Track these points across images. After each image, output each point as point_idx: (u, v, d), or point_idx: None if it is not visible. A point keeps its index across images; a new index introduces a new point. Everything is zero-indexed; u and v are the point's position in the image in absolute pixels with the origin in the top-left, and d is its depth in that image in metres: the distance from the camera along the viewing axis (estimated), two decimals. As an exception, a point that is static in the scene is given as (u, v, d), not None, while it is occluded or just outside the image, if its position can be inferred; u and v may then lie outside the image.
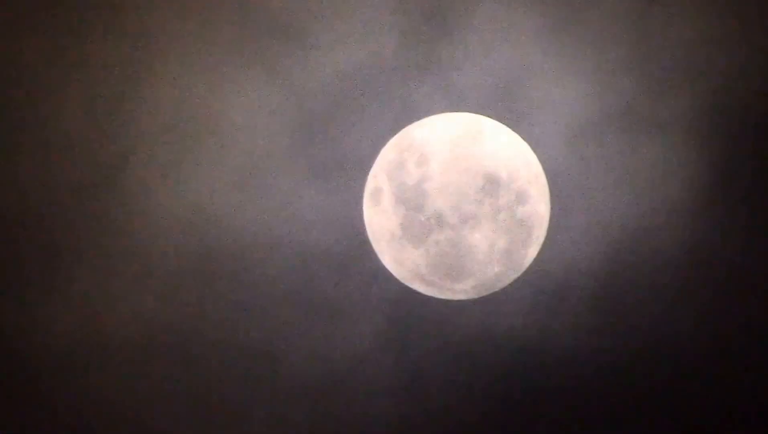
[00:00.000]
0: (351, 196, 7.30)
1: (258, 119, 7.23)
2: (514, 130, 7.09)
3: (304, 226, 7.40)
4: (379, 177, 7.00)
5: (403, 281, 7.24)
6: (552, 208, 7.24)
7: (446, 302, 7.40)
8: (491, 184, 6.73)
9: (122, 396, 7.51)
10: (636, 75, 7.37)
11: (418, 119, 7.11)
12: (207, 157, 7.28)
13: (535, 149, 7.12)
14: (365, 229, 7.08)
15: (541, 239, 7.19)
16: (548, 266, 7.47)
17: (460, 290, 7.13)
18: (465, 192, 6.66)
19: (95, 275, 7.40)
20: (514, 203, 6.85)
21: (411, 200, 6.74)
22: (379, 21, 7.25)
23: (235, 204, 7.31)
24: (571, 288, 7.56)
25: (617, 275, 7.56)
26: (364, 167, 7.21)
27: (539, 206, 7.06)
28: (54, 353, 7.43)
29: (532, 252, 7.16)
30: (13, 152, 7.23)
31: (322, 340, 7.51)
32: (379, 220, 6.98)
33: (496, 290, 7.27)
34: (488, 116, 7.10)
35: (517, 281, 7.28)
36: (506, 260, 6.99)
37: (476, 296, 7.26)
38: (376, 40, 7.26)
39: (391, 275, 7.26)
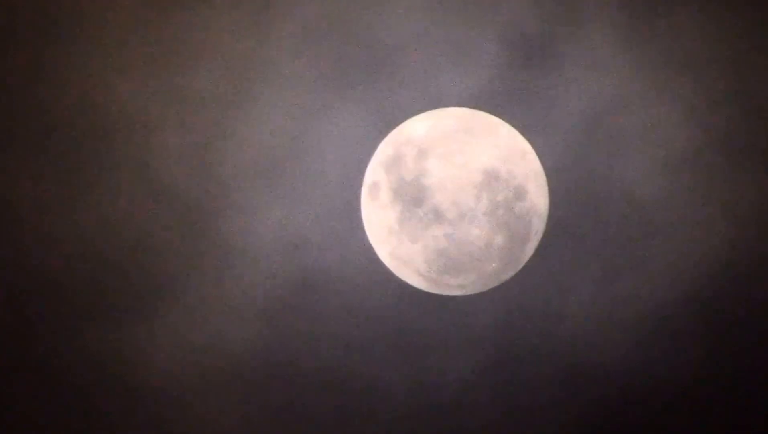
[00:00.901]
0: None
1: (348, 150, 7.24)
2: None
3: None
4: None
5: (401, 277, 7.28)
6: (550, 204, 7.25)
7: (443, 298, 7.41)
8: (490, 180, 6.74)
9: (223, 425, 7.58)
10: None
11: (416, 114, 7.12)
12: (302, 190, 7.28)
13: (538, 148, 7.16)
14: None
15: (540, 235, 7.19)
16: (547, 262, 7.48)
17: (458, 286, 7.12)
18: (463, 188, 6.67)
19: (197, 307, 7.47)
20: (512, 198, 6.86)
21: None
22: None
23: (336, 236, 7.33)
24: (570, 284, 7.57)
25: (617, 272, 7.57)
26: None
27: (538, 202, 7.06)
28: (155, 382, 7.51)
29: (530, 248, 7.17)
30: (112, 191, 7.27)
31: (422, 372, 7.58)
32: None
33: (494, 286, 7.27)
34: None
35: (515, 277, 7.29)
36: (504, 256, 6.99)
37: (474, 292, 7.26)
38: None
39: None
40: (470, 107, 7.14)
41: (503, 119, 7.11)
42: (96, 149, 7.24)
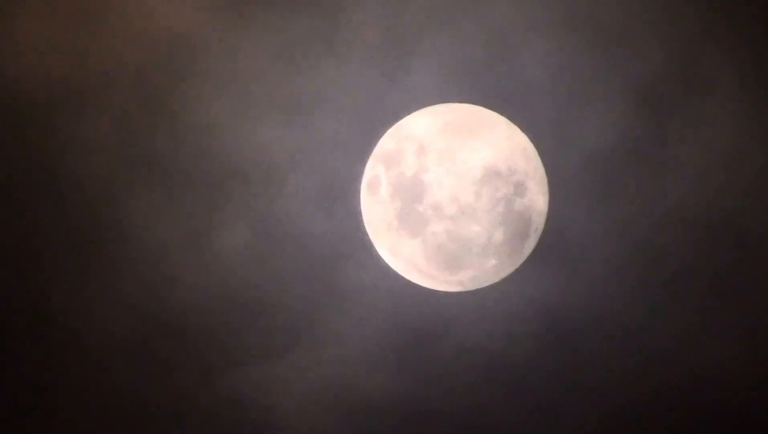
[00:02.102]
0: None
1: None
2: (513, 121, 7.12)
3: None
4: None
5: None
6: (550, 200, 7.25)
7: (442, 294, 7.41)
8: (490, 176, 6.73)
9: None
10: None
11: (416, 109, 7.12)
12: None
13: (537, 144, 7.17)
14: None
15: (539, 232, 7.19)
16: (546, 258, 7.49)
17: (457, 282, 7.12)
18: (463, 184, 6.67)
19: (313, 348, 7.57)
20: (512, 195, 6.86)
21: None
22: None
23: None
24: (570, 281, 7.58)
25: (617, 268, 7.57)
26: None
27: (537, 199, 7.06)
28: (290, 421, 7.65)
29: (529, 245, 7.16)
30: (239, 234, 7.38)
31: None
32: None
33: (494, 282, 7.27)
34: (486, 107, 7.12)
35: (514, 273, 7.29)
36: (504, 253, 6.99)
37: (473, 288, 7.26)
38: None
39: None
40: (470, 103, 7.15)
41: (503, 115, 7.12)
42: (227, 192, 7.31)
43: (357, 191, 7.20)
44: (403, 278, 7.30)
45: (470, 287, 7.23)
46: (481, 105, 7.13)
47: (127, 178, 7.35)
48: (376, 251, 7.23)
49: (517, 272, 7.30)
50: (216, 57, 7.22)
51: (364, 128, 7.27)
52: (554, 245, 7.45)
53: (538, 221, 7.12)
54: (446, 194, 6.67)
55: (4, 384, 7.51)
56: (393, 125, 7.11)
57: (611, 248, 7.53)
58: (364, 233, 7.23)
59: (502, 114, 7.12)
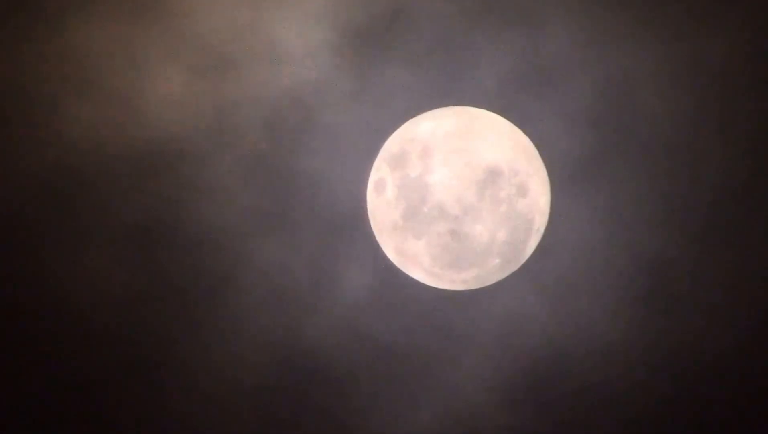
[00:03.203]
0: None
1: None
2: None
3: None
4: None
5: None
6: (552, 200, 7.27)
7: (447, 293, 7.44)
8: (493, 177, 6.77)
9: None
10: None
11: (420, 112, 7.16)
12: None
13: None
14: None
15: (542, 232, 7.22)
16: (548, 257, 7.50)
17: (461, 281, 7.17)
18: (467, 185, 6.69)
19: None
20: (514, 195, 6.89)
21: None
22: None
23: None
24: (571, 280, 7.56)
25: (617, 267, 7.57)
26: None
27: (539, 199, 7.09)
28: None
29: (532, 244, 7.20)
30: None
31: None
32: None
33: (497, 281, 7.31)
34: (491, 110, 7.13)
35: (517, 272, 7.32)
36: (507, 252, 7.03)
37: (477, 287, 7.30)
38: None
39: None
40: (474, 106, 7.17)
41: (506, 118, 7.14)
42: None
43: (364, 193, 7.27)
44: (408, 277, 7.34)
45: (474, 285, 7.26)
46: (483, 108, 7.17)
47: (253, 225, 7.44)
48: (381, 250, 7.30)
49: (520, 270, 7.34)
50: (330, 113, 7.30)
51: (370, 131, 7.30)
52: (556, 245, 7.48)
53: (540, 220, 7.15)
54: (450, 195, 6.71)
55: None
56: (398, 128, 7.17)
57: (611, 248, 7.53)
58: (370, 233, 7.26)
59: (503, 116, 7.16)
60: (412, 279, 7.30)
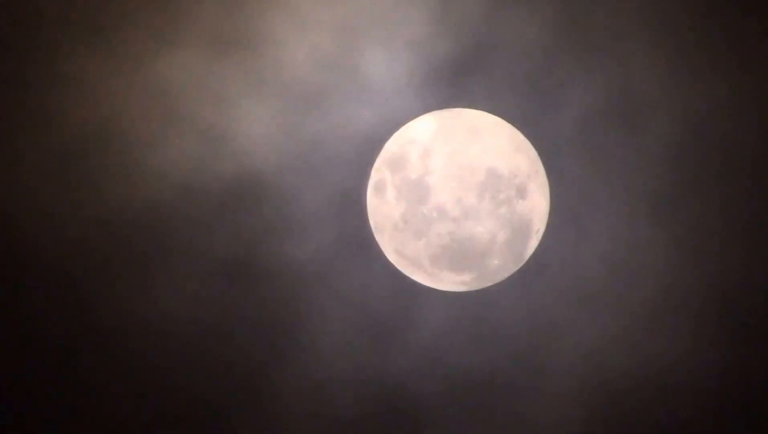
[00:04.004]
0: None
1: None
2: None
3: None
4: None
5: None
6: (551, 202, 7.26)
7: (447, 294, 7.43)
8: (492, 178, 6.76)
9: None
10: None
11: (420, 114, 7.14)
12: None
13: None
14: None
15: (541, 233, 7.21)
16: (548, 259, 7.51)
17: (461, 282, 7.16)
18: (467, 186, 6.70)
19: None
20: (514, 197, 6.87)
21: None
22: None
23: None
24: (571, 281, 7.58)
25: (618, 267, 7.57)
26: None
27: (539, 200, 7.08)
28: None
29: (531, 245, 7.19)
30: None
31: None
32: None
33: (497, 282, 7.29)
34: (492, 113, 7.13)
35: (516, 273, 7.30)
36: (506, 253, 7.02)
37: (476, 288, 7.29)
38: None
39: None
40: (473, 108, 7.18)
41: (505, 120, 7.15)
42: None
43: (364, 194, 7.24)
44: (408, 278, 7.33)
45: (474, 287, 7.25)
46: (483, 109, 7.15)
47: (337, 260, 7.47)
48: (382, 251, 7.29)
49: (520, 271, 7.32)
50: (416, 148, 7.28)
51: (371, 132, 7.31)
52: (555, 246, 7.48)
53: (540, 222, 7.14)
54: (450, 197, 6.70)
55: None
56: (398, 129, 7.15)
57: (611, 248, 7.54)
58: (371, 234, 7.29)
59: (503, 118, 7.14)
60: (412, 280, 7.28)
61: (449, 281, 7.14)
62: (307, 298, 7.46)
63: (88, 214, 7.28)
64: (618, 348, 7.60)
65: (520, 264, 7.21)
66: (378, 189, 7.04)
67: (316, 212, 7.35)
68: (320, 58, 7.16)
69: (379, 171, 7.06)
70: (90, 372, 7.46)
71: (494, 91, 7.18)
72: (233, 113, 7.17)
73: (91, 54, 7.11)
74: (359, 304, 7.52)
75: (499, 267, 7.07)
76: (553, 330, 7.64)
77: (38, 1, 7.06)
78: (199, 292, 7.43)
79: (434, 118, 7.02)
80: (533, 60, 7.21)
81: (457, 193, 6.68)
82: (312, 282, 7.44)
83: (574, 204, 7.41)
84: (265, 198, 7.31)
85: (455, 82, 7.22)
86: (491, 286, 7.31)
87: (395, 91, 7.19)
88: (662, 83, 7.22)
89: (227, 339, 7.49)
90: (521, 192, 6.90)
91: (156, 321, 7.46)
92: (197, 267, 7.38)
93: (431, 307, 7.54)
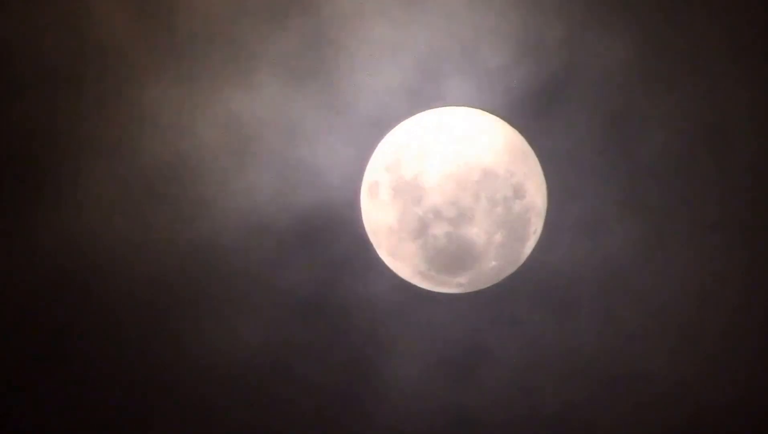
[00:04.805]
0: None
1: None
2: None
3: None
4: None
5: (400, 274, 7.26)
6: (549, 202, 7.24)
7: (443, 296, 7.41)
8: (488, 178, 6.72)
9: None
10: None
11: (415, 113, 7.12)
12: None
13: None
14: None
15: (538, 234, 7.19)
16: (545, 259, 7.47)
17: (457, 284, 7.13)
18: (462, 186, 6.65)
19: None
20: (511, 197, 6.85)
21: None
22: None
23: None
24: (568, 281, 7.56)
25: (615, 267, 7.57)
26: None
27: (536, 200, 7.06)
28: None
29: (528, 246, 7.16)
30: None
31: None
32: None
33: (493, 283, 7.27)
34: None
35: (513, 275, 7.28)
36: (503, 254, 6.98)
37: (473, 290, 7.26)
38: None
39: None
40: (469, 107, 7.13)
41: (502, 118, 7.10)
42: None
43: (358, 196, 7.21)
44: (404, 281, 7.30)
45: (470, 288, 7.22)
46: (479, 108, 7.13)
47: (408, 294, 7.49)
48: (377, 254, 7.24)
49: (517, 273, 7.30)
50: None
51: (364, 133, 7.26)
52: (553, 247, 7.45)
53: (537, 222, 7.11)
54: (446, 197, 6.66)
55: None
56: (392, 129, 7.12)
57: (608, 247, 7.52)
58: (365, 237, 7.23)
59: (499, 117, 7.11)
60: (408, 283, 7.27)
61: (445, 284, 7.14)
62: (379, 333, 7.49)
63: (164, 249, 7.34)
64: (609, 355, 7.61)
65: (517, 266, 7.21)
66: (372, 191, 7.01)
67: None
68: (399, 88, 7.11)
69: (373, 172, 7.03)
70: (169, 405, 7.59)
71: (574, 120, 7.16)
72: (310, 146, 7.19)
73: (168, 88, 7.12)
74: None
75: (496, 269, 7.05)
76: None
77: (116, 37, 7.04)
78: (270, 325, 7.51)
79: (428, 117, 7.01)
80: (614, 88, 7.19)
81: (452, 193, 6.65)
82: (390, 316, 7.42)
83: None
84: (336, 232, 7.37)
85: (536, 110, 7.20)
86: (488, 288, 7.30)
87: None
88: (748, 110, 7.18)
89: (300, 371, 7.54)
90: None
91: (224, 355, 7.54)
92: (274, 303, 7.44)
93: (428, 309, 7.58)
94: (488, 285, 7.24)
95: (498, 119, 7.08)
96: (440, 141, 6.76)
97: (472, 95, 7.14)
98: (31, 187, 7.18)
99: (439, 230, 6.72)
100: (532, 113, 7.21)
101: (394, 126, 7.05)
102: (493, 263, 6.98)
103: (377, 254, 7.18)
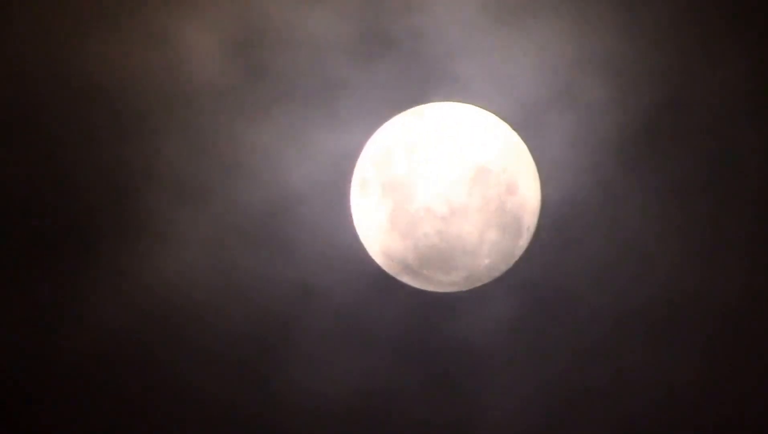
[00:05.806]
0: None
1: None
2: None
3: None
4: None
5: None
6: (542, 199, 7.23)
7: (435, 295, 7.37)
8: (481, 175, 6.71)
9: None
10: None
11: (405, 108, 7.08)
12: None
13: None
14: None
15: (532, 231, 7.17)
16: (540, 258, 7.47)
17: (450, 283, 7.08)
18: (454, 183, 6.65)
19: None
20: (504, 194, 6.84)
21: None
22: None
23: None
24: (563, 280, 7.57)
25: (608, 265, 7.57)
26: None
27: (530, 197, 7.03)
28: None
29: (522, 244, 7.14)
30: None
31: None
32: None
33: (487, 282, 7.23)
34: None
35: (507, 272, 7.25)
36: (496, 252, 6.97)
37: (466, 289, 7.21)
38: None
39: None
40: (461, 102, 7.12)
41: (494, 113, 7.09)
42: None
43: (347, 193, 7.17)
44: (395, 280, 7.25)
45: (463, 287, 7.19)
46: (470, 103, 7.10)
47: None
48: (367, 253, 7.21)
49: (511, 271, 7.28)
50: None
51: (354, 128, 7.26)
52: (547, 243, 7.46)
53: (531, 219, 7.10)
54: (437, 194, 6.65)
55: None
56: (382, 125, 7.07)
57: (605, 246, 7.53)
58: (355, 235, 7.22)
59: (492, 112, 7.09)
60: (400, 282, 7.25)
61: (438, 282, 7.14)
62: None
63: (260, 289, 7.49)
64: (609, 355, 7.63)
65: (511, 264, 7.21)
66: (362, 188, 6.95)
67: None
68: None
69: (363, 169, 6.99)
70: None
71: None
72: None
73: (263, 129, 7.23)
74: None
75: (489, 267, 7.05)
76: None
77: (214, 80, 7.12)
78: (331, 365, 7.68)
79: (419, 113, 6.99)
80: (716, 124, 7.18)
81: (444, 190, 6.64)
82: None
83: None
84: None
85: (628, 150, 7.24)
86: (481, 286, 7.28)
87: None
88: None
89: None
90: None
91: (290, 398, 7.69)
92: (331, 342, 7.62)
93: (420, 308, 7.57)
94: (481, 283, 7.23)
95: (491, 114, 7.08)
96: (432, 138, 6.76)
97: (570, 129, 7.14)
98: (131, 230, 7.29)
99: (430, 227, 6.72)
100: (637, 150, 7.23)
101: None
102: (486, 260, 6.98)
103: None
